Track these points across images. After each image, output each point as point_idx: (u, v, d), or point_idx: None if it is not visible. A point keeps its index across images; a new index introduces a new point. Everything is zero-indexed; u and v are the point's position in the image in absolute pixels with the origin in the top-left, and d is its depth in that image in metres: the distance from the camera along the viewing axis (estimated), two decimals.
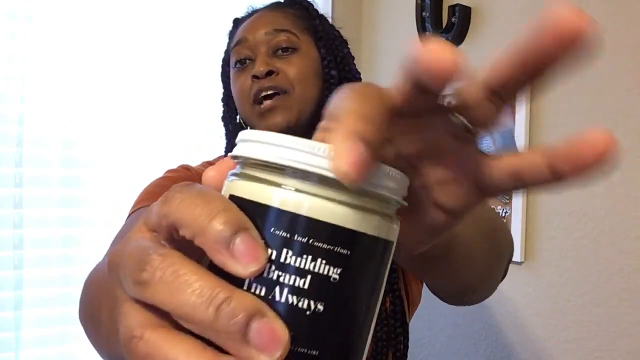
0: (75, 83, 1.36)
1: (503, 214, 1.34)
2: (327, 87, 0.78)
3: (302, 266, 0.21)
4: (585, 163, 0.21)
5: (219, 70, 0.89)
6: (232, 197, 0.23)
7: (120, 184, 1.39)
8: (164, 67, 1.46)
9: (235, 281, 0.21)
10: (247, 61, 0.78)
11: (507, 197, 1.33)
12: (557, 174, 0.23)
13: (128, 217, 0.71)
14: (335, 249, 0.21)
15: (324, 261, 0.21)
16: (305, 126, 0.76)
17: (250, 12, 0.85)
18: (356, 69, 0.84)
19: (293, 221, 0.21)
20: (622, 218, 1.12)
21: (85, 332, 0.54)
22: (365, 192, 0.22)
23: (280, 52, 0.76)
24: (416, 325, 1.50)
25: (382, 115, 0.22)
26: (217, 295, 0.19)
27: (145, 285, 0.20)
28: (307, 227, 0.21)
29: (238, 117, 0.84)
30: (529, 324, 1.30)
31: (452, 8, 1.45)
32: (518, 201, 1.30)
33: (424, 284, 0.81)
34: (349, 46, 0.85)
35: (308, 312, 0.21)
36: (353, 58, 0.84)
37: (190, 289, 0.19)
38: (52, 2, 1.32)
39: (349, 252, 0.21)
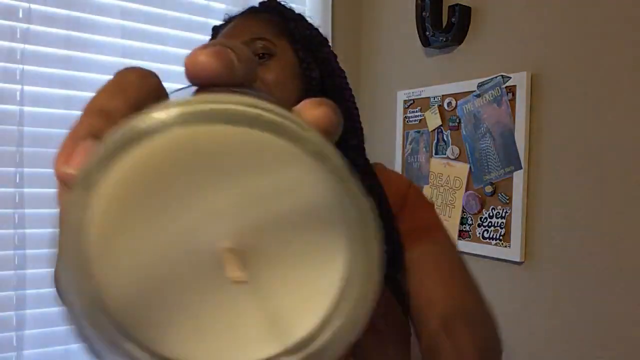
0: (75, 82, 1.36)
1: (503, 214, 1.34)
2: (310, 89, 0.79)
3: None
4: None
5: None
6: None
7: None
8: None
9: None
10: None
11: (507, 198, 1.33)
12: None
13: None
14: None
15: None
16: None
17: (226, 19, 0.87)
18: (339, 67, 0.83)
19: None
20: (622, 218, 1.12)
21: None
22: None
23: (257, 58, 0.78)
24: None
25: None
26: None
27: None
28: None
29: None
30: (529, 324, 1.30)
31: (452, 8, 1.46)
32: (518, 201, 1.30)
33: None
34: (330, 44, 0.85)
35: None
36: (335, 56, 0.84)
37: None
38: (52, 2, 1.33)
39: None
